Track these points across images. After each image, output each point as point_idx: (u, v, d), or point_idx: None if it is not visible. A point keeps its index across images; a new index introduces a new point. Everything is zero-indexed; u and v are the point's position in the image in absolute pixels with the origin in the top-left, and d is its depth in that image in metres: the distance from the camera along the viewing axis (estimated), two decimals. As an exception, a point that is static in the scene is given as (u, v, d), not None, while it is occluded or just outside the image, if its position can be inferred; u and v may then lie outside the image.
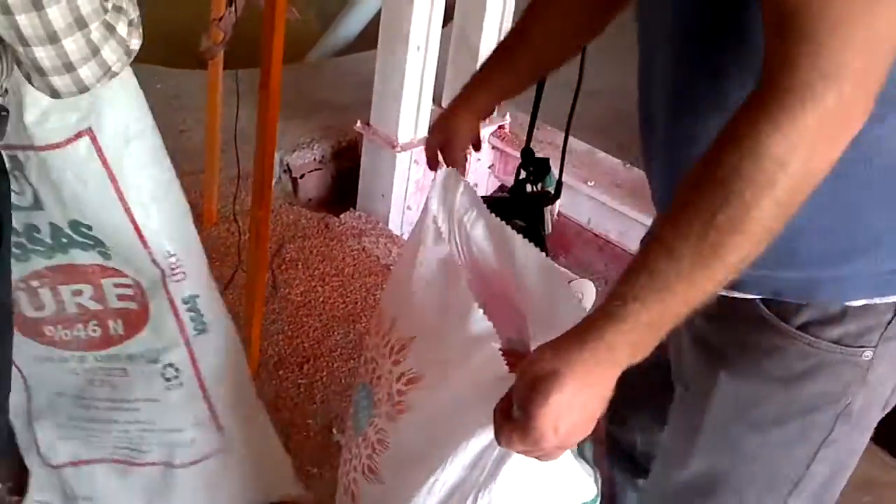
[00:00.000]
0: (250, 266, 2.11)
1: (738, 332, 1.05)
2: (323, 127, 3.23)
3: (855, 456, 1.14)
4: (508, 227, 1.18)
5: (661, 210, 1.08)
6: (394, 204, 2.96)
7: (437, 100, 2.97)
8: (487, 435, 1.00)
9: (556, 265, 1.14)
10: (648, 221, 2.82)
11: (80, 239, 1.47)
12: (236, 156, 2.14)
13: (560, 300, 1.09)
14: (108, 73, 1.14)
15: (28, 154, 1.36)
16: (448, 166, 1.27)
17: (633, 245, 2.91)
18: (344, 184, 3.21)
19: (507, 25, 2.85)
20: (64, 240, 1.48)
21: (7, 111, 1.21)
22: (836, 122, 0.77)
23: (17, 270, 1.52)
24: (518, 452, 0.94)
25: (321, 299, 2.58)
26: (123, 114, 1.39)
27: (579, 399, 0.87)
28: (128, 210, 1.42)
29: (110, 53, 1.12)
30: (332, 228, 2.91)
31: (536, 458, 0.94)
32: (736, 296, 1.02)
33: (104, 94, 1.33)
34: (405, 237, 2.99)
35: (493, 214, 1.21)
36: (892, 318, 1.00)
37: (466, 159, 1.31)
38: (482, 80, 1.29)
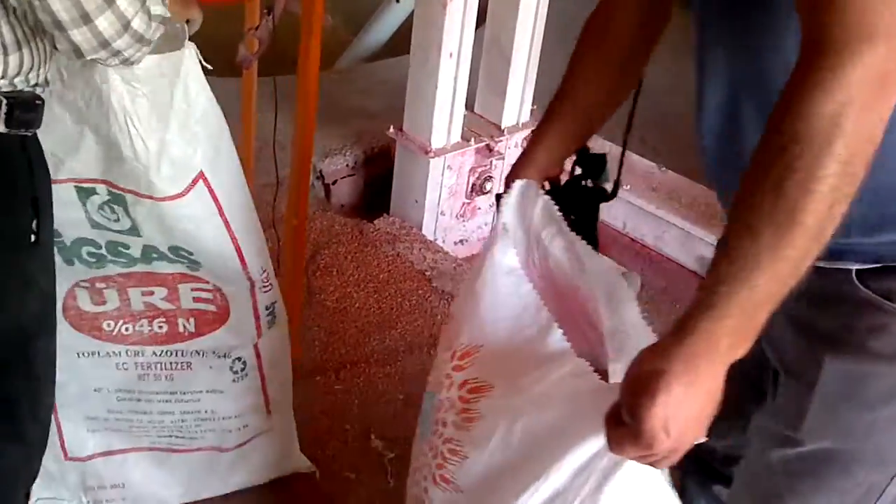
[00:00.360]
0: (287, 273, 2.12)
1: (841, 315, 1.06)
2: (355, 133, 3.24)
3: None
4: (587, 246, 1.18)
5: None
6: (427, 209, 2.96)
7: (469, 105, 2.97)
8: (588, 448, 1.00)
9: (622, 274, 1.14)
10: (685, 225, 2.82)
11: (174, 257, 1.55)
12: (275, 164, 2.15)
13: (628, 320, 1.10)
14: (127, 27, 1.14)
15: (141, 200, 1.43)
16: None
17: (668, 249, 2.89)
18: (376, 190, 3.21)
19: (540, 29, 2.84)
20: (154, 255, 1.55)
21: (42, 100, 1.23)
22: (878, 78, 0.81)
23: (84, 273, 1.57)
24: (632, 459, 0.94)
25: (357, 305, 2.59)
26: (222, 151, 1.49)
27: (687, 398, 0.87)
28: (233, 238, 1.54)
29: (127, 6, 1.13)
30: (366, 234, 2.91)
31: (651, 464, 0.94)
32: (839, 266, 1.04)
33: (205, 134, 1.43)
34: (439, 243, 2.99)
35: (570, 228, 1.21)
36: None
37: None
38: (538, 136, 1.30)
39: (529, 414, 1.10)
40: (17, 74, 1.18)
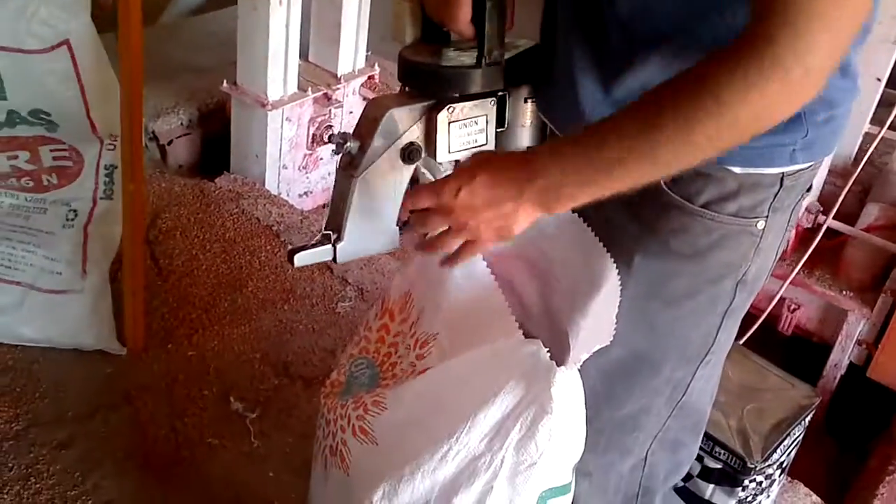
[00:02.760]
0: (126, 240, 2.04)
1: (647, 218, 1.14)
2: (187, 90, 3.12)
3: (737, 325, 1.29)
4: None
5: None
6: (269, 164, 2.90)
7: (304, 54, 2.91)
8: (508, 399, 1.06)
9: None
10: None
11: (34, 120, 1.91)
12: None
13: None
14: None
15: (13, 55, 1.83)
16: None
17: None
18: (215, 148, 3.12)
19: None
20: (17, 120, 1.91)
21: None
22: (798, 91, 0.87)
23: None
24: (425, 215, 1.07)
25: (204, 267, 2.52)
26: (88, 31, 1.87)
27: (487, 189, 1.01)
28: (86, 104, 1.94)
29: None
30: (207, 194, 2.83)
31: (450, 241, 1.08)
32: None
33: (78, 12, 1.82)
34: (284, 196, 2.95)
35: None
36: (779, 190, 1.11)
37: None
38: None
39: (451, 372, 1.14)
40: None
